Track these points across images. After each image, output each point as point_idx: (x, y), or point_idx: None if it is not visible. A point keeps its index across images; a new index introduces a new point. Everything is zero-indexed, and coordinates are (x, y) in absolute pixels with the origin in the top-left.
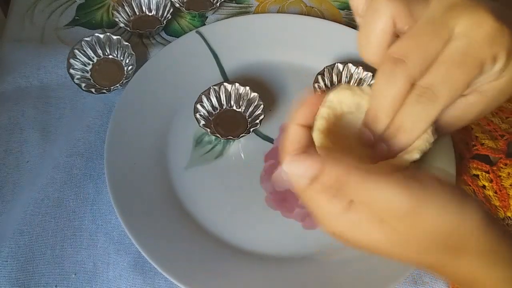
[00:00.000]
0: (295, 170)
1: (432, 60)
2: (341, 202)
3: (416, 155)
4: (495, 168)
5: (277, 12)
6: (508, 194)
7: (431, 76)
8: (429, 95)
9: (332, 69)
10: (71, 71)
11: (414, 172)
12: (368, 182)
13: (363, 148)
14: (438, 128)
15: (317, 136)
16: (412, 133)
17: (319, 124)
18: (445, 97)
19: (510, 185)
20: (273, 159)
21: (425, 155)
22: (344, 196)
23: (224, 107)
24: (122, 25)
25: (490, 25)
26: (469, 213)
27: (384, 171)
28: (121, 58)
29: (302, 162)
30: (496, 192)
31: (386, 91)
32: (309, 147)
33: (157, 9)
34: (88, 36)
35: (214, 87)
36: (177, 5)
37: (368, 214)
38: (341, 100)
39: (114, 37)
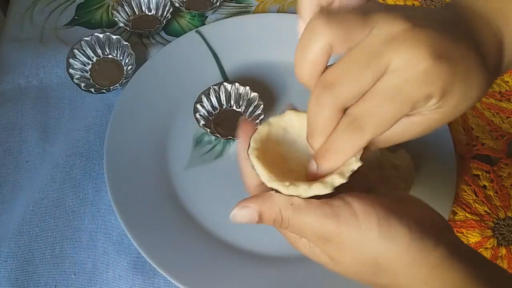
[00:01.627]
0: (242, 219)
1: (364, 89)
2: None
3: (340, 180)
4: (495, 168)
5: (277, 12)
6: (509, 194)
7: (362, 106)
8: (356, 125)
9: None
10: (71, 71)
11: (339, 202)
12: (298, 216)
13: (299, 167)
14: (377, 142)
15: (253, 158)
16: (338, 157)
17: (253, 146)
18: (373, 130)
19: (511, 185)
20: None
21: (426, 156)
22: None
23: (224, 107)
24: (121, 24)
25: (426, 63)
26: (393, 239)
27: (314, 203)
28: (121, 58)
29: (243, 215)
30: (496, 192)
31: (316, 113)
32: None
33: (157, 9)
34: (88, 36)
35: (214, 87)
36: (177, 4)
37: (310, 242)
38: (285, 122)
39: (114, 37)
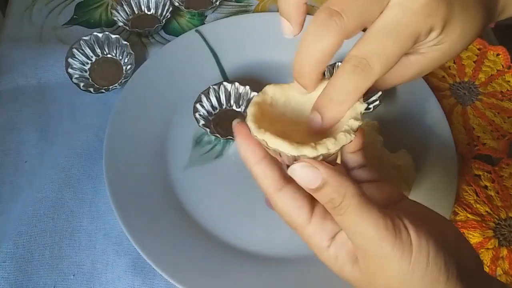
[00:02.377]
0: (302, 176)
1: (369, 20)
2: (326, 238)
3: (355, 123)
4: (497, 168)
5: (277, 11)
6: (510, 194)
7: (366, 46)
8: (363, 65)
9: (333, 68)
10: (70, 70)
11: (400, 224)
12: (359, 212)
13: (297, 128)
14: (378, 85)
15: (251, 124)
16: (345, 104)
17: (252, 110)
18: (379, 68)
19: None
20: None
21: (426, 156)
22: (330, 231)
23: (224, 106)
24: (121, 24)
25: None
26: (434, 282)
27: (378, 209)
28: (120, 57)
29: (306, 173)
30: (498, 192)
31: (317, 42)
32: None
33: (156, 8)
34: (87, 35)
35: (214, 86)
36: (177, 3)
37: (344, 253)
38: (271, 98)
39: (113, 36)
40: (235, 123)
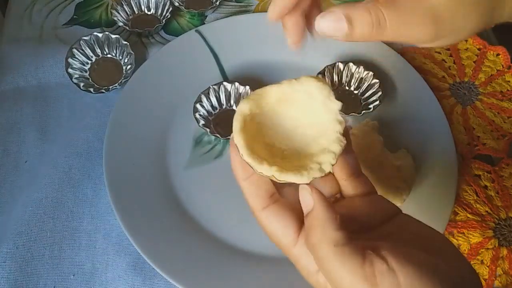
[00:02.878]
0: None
1: None
2: (310, 263)
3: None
4: (497, 168)
5: None
6: (510, 194)
7: None
8: None
9: (333, 68)
10: (70, 70)
11: (383, 268)
12: (337, 261)
13: (281, 142)
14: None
15: (238, 138)
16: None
17: (238, 124)
18: None
19: None
20: None
21: (426, 156)
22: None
23: (224, 106)
24: (121, 24)
25: None
26: None
27: (356, 253)
28: (120, 58)
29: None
30: (498, 193)
31: None
32: (274, 192)
33: (156, 8)
34: (87, 35)
35: (214, 86)
36: (177, 4)
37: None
38: (263, 97)
39: (113, 36)
40: (231, 139)
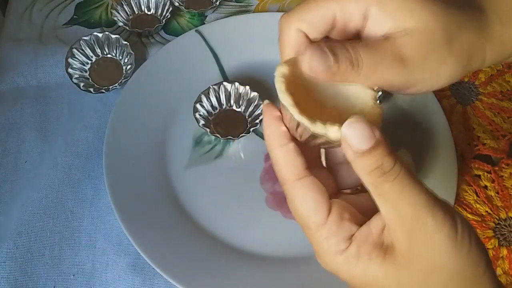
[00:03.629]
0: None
1: None
2: (343, 239)
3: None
4: (497, 168)
5: (277, 11)
6: (510, 194)
7: None
8: None
9: None
10: (70, 70)
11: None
12: (412, 181)
13: (329, 104)
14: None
15: (285, 96)
16: None
17: (282, 85)
18: None
19: None
20: None
21: (426, 156)
22: (348, 231)
23: (224, 106)
24: (121, 24)
25: None
26: (475, 263)
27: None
28: (120, 58)
29: (364, 128)
30: (498, 193)
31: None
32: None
33: (156, 8)
34: (87, 35)
35: (214, 86)
36: (177, 4)
37: (368, 248)
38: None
39: (113, 36)
40: (265, 103)
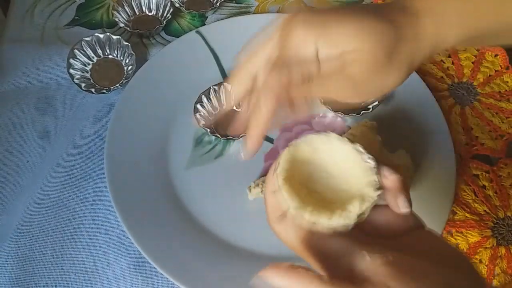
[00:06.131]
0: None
1: None
2: None
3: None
4: (495, 168)
5: (277, 12)
6: (508, 194)
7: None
8: None
9: None
10: (71, 71)
11: None
12: None
13: (325, 189)
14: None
15: (281, 183)
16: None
17: (282, 169)
18: None
19: (510, 185)
20: (273, 159)
21: (425, 156)
22: None
23: (224, 107)
24: (122, 25)
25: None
26: None
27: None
28: (121, 58)
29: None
30: (496, 192)
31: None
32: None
33: (157, 9)
34: (88, 36)
35: (214, 87)
36: (177, 5)
37: None
38: (312, 144)
39: (114, 37)
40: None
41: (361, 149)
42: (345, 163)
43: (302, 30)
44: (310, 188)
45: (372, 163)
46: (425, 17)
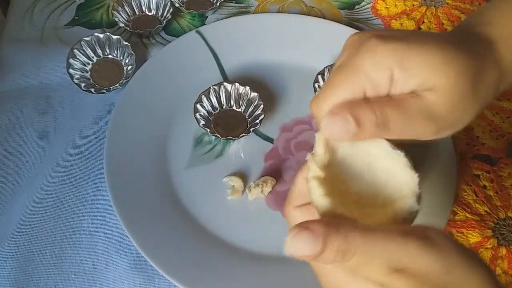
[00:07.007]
0: (298, 251)
1: None
2: (347, 272)
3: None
4: (496, 168)
5: (277, 12)
6: (509, 194)
7: None
8: None
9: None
10: (71, 71)
11: (426, 232)
12: (390, 245)
13: (358, 192)
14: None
15: (313, 184)
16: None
17: (314, 170)
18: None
19: (511, 185)
20: (273, 159)
21: (425, 156)
22: (349, 261)
23: (224, 107)
24: (121, 24)
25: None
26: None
27: (396, 230)
28: (121, 58)
29: (303, 242)
30: (497, 192)
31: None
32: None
33: (157, 9)
34: (88, 36)
35: (214, 87)
36: (177, 4)
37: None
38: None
39: (114, 37)
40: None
41: (406, 159)
42: (387, 168)
43: (382, 51)
44: (342, 189)
45: (415, 173)
46: (497, 43)
